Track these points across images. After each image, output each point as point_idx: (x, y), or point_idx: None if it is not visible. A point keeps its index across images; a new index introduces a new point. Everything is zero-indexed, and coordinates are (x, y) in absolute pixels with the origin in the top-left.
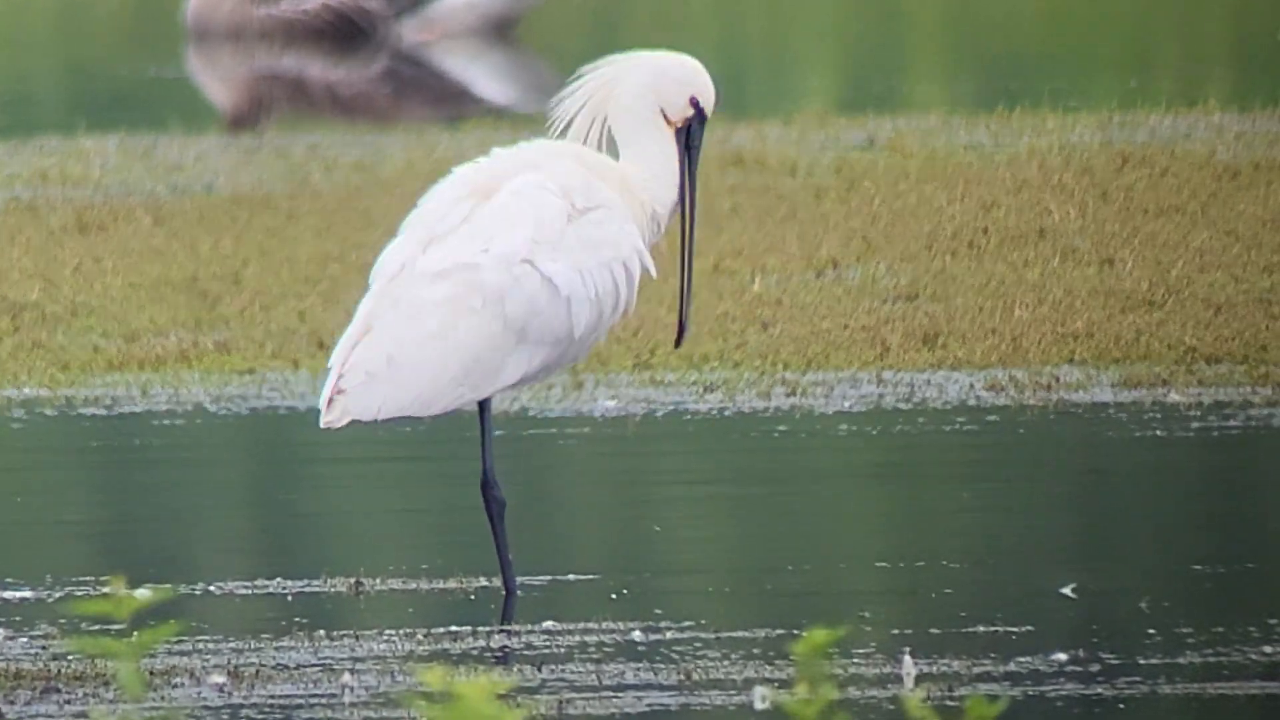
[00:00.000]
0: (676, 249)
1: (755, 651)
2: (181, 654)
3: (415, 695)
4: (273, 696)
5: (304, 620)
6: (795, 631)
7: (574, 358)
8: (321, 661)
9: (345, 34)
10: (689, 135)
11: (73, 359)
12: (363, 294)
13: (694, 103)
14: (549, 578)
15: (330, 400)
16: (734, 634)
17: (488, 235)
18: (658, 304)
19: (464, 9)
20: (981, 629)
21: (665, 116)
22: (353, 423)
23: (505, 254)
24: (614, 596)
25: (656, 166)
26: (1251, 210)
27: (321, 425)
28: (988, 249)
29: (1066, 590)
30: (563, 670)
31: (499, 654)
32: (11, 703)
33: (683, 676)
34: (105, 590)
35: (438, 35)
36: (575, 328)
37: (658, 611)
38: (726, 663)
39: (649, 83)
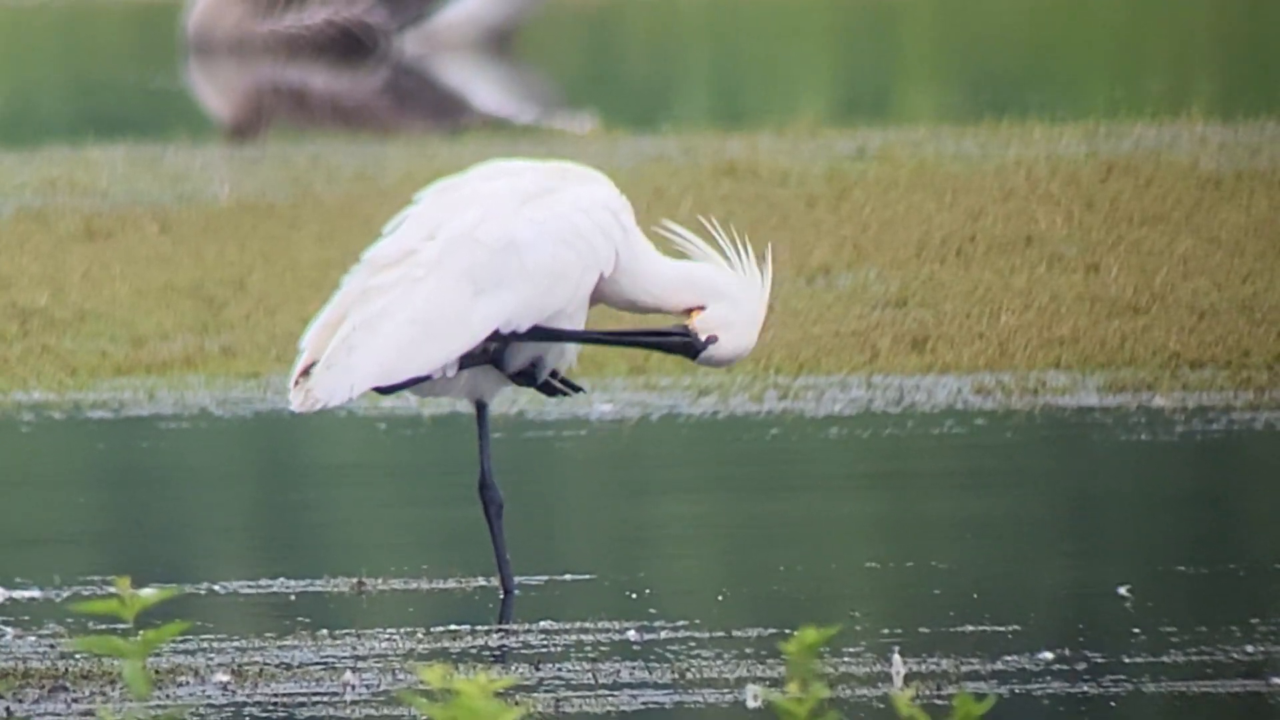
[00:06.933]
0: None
1: (748, 650)
2: (186, 653)
3: (415, 693)
4: (276, 695)
5: (307, 619)
6: (787, 631)
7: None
8: (324, 660)
9: (348, 47)
10: None
11: (80, 363)
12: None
13: None
14: (546, 577)
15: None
16: (727, 633)
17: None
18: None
19: (464, 22)
20: (970, 628)
21: None
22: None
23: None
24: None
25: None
26: (1234, 218)
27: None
28: (975, 256)
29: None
30: (559, 669)
31: (497, 652)
32: (20, 700)
33: (677, 675)
34: (112, 590)
35: (438, 48)
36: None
37: (652, 611)
38: (720, 662)
39: None
